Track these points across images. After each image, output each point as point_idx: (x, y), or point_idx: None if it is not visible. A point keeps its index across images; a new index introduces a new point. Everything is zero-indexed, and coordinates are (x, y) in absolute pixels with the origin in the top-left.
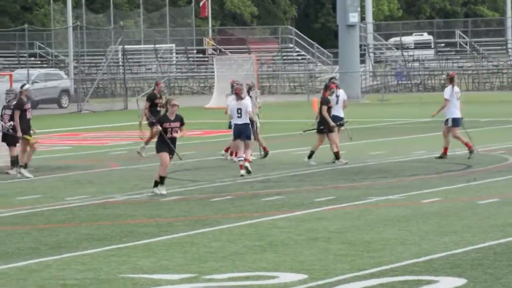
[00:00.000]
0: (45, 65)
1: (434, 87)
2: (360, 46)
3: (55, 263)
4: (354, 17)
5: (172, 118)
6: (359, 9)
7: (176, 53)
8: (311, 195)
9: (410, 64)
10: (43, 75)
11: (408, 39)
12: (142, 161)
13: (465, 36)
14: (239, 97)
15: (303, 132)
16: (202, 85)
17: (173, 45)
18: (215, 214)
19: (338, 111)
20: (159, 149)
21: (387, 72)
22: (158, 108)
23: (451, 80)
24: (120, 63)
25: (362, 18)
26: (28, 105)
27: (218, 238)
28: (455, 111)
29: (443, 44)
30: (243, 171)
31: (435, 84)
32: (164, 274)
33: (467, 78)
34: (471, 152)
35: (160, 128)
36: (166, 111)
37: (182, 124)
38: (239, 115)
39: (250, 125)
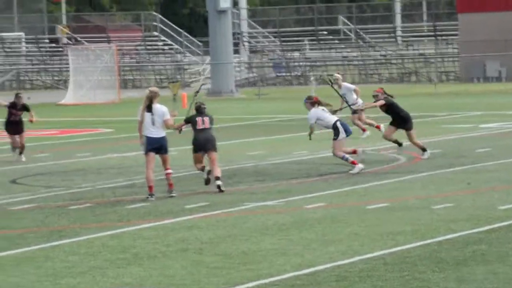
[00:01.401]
0: None
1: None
2: (234, 34)
3: None
4: (225, 2)
5: None
6: None
7: (26, 43)
8: (180, 201)
9: (290, 54)
10: None
11: None
12: None
13: (349, 23)
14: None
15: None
16: (56, 78)
17: (22, 33)
18: (72, 224)
19: None
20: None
21: (264, 63)
22: None
23: None
24: None
25: (235, 3)
26: None
27: (76, 251)
28: None
29: (325, 32)
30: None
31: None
32: None
33: (352, 69)
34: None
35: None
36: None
37: None
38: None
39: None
